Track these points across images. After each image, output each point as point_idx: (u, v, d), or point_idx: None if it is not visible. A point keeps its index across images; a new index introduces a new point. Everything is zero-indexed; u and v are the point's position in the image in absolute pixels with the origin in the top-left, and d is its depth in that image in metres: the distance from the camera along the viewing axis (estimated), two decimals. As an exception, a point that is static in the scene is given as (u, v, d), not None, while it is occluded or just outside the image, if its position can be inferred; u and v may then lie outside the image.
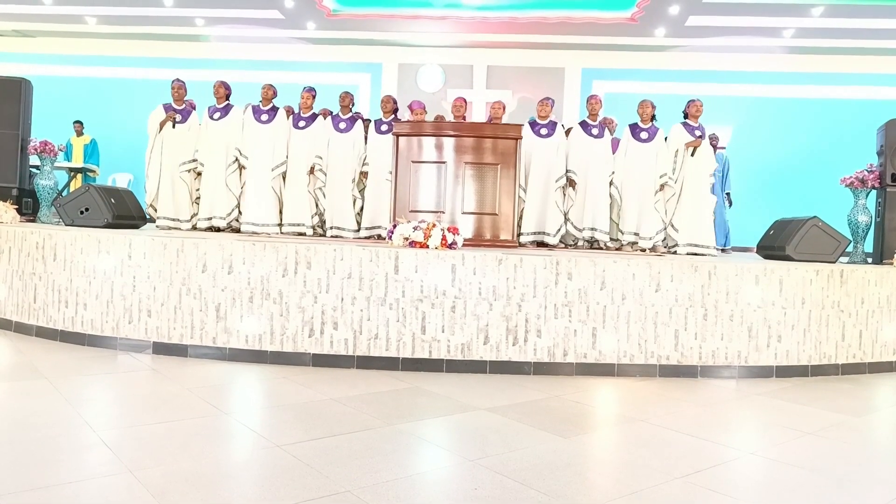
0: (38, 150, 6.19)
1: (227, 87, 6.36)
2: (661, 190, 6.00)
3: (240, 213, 6.17)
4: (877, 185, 5.47)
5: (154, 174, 6.21)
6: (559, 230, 6.11)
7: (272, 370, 3.90)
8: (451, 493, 2.22)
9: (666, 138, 6.16)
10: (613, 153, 6.25)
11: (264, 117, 6.20)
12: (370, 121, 6.68)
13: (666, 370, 4.15)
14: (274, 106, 6.28)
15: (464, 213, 5.35)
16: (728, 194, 8.32)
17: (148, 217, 6.16)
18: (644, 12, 9.43)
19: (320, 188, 6.30)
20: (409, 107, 6.65)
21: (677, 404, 3.54)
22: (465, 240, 4.47)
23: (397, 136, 5.45)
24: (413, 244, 4.14)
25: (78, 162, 9.13)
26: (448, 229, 4.23)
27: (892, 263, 4.97)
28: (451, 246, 4.18)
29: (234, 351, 4.09)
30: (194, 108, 6.55)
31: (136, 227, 5.75)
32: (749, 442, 3.01)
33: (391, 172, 5.63)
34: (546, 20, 9.86)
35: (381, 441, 2.68)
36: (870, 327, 4.52)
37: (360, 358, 4.03)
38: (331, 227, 6.33)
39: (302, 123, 6.33)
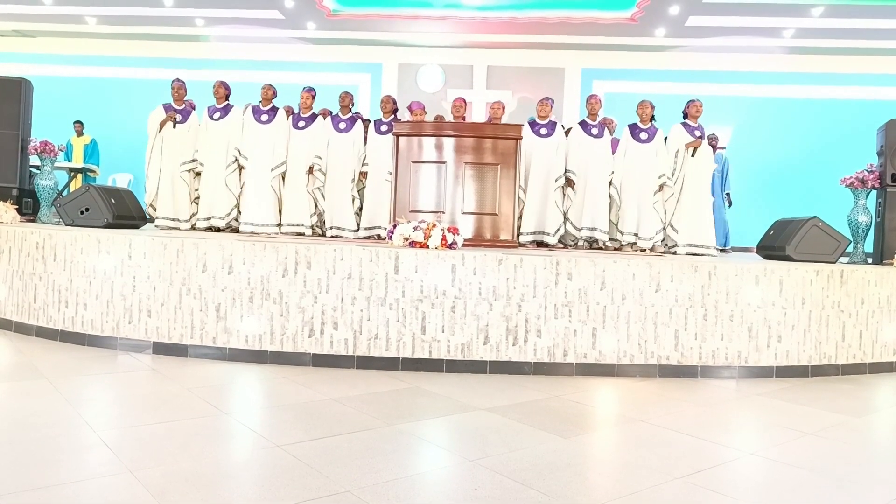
0: (39, 151, 6.19)
1: (226, 87, 6.37)
2: (659, 190, 6.01)
3: (239, 213, 6.17)
4: (877, 185, 5.47)
5: (154, 174, 6.21)
6: (558, 230, 6.11)
7: (272, 370, 3.90)
8: (451, 493, 2.22)
9: (665, 139, 6.17)
10: (613, 153, 6.25)
11: (264, 117, 6.20)
12: (369, 121, 6.68)
13: (666, 370, 4.15)
14: (274, 106, 6.28)
15: (464, 213, 5.35)
16: (728, 194, 8.32)
17: (148, 217, 6.16)
18: (644, 12, 9.43)
19: (319, 188, 6.30)
20: (409, 107, 6.65)
21: (677, 404, 3.54)
22: (465, 240, 4.47)
23: (397, 136, 5.45)
24: (413, 244, 4.14)
25: (78, 162, 9.13)
26: (448, 229, 4.23)
27: (892, 264, 4.97)
28: (452, 246, 4.18)
29: (235, 351, 4.09)
30: (194, 109, 6.55)
31: (137, 227, 5.75)
32: (749, 442, 3.01)
33: (391, 172, 5.63)
34: (546, 20, 9.86)
35: (381, 441, 2.68)
36: (870, 327, 4.52)
37: (360, 358, 4.03)
38: (331, 227, 6.33)
39: (301, 123, 6.33)
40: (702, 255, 5.85)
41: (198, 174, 6.30)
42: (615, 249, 6.12)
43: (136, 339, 4.22)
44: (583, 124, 6.29)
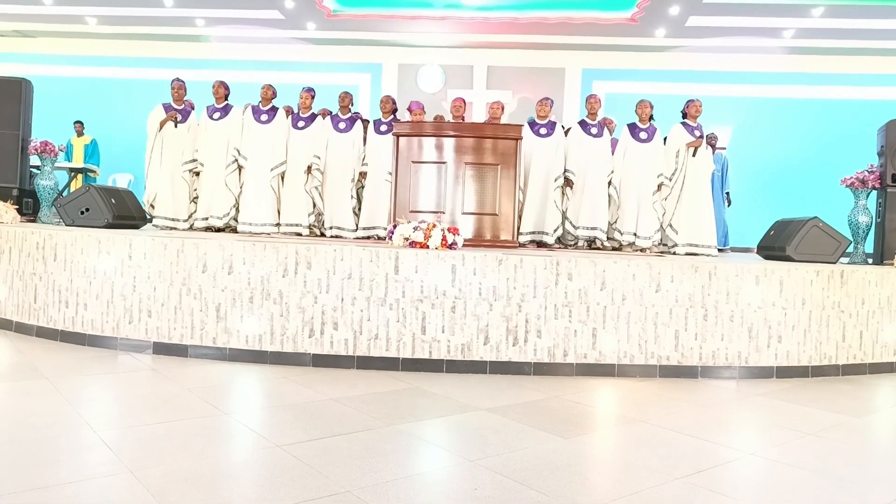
0: (39, 151, 6.19)
1: (226, 87, 6.38)
2: (658, 190, 6.01)
3: (237, 212, 6.18)
4: (877, 185, 5.47)
5: (154, 173, 6.21)
6: (557, 230, 6.11)
7: (272, 370, 3.90)
8: (451, 494, 2.22)
9: (665, 139, 6.18)
10: (612, 153, 6.25)
11: (264, 117, 6.20)
12: (369, 121, 6.68)
13: (666, 370, 4.15)
14: (273, 106, 6.29)
15: (464, 213, 5.35)
16: (727, 193, 8.33)
17: (148, 217, 6.17)
18: (644, 13, 9.43)
19: (316, 187, 6.30)
20: (409, 108, 6.66)
21: (677, 405, 3.54)
22: (465, 240, 4.47)
23: (397, 136, 5.45)
24: (413, 244, 4.14)
25: (78, 162, 9.13)
26: (448, 229, 4.23)
27: (892, 264, 4.97)
28: (452, 246, 4.18)
29: (235, 351, 4.09)
30: (193, 109, 6.56)
31: (137, 227, 5.76)
32: (749, 442, 3.00)
33: (391, 173, 5.63)
34: (546, 21, 9.86)
35: (382, 441, 2.68)
36: (870, 328, 4.52)
37: (360, 358, 4.03)
38: (330, 227, 6.34)
39: (301, 124, 6.33)
40: (703, 254, 5.85)
41: (197, 174, 6.30)
42: (613, 249, 6.13)
43: (136, 339, 4.22)
44: (582, 124, 6.30)
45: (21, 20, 10.68)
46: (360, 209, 6.39)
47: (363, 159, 6.36)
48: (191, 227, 6.27)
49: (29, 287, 4.59)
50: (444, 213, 5.32)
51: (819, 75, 10.76)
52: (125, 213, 5.60)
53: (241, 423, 2.90)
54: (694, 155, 5.97)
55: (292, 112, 6.48)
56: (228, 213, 6.19)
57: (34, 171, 7.10)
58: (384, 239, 5.54)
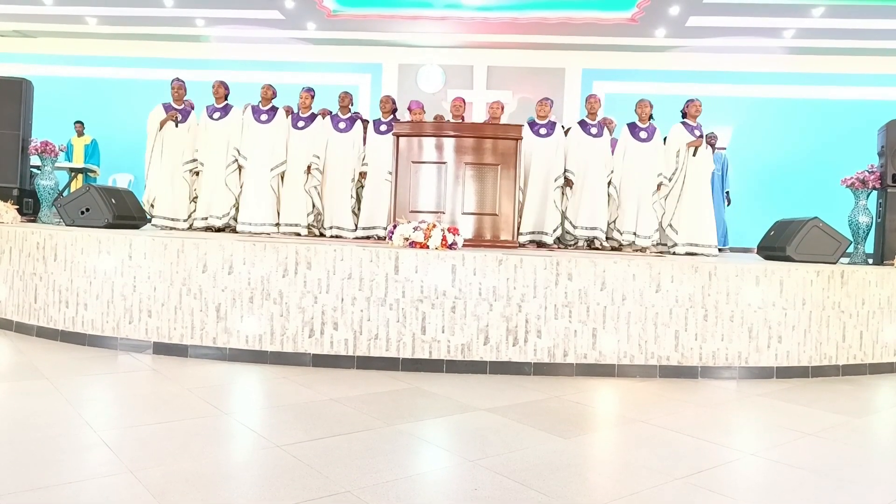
0: (39, 151, 6.19)
1: (226, 87, 6.39)
2: (657, 190, 6.02)
3: (237, 212, 6.18)
4: (878, 185, 5.47)
5: (154, 173, 6.22)
6: (556, 230, 6.12)
7: (272, 370, 3.90)
8: (451, 494, 2.22)
9: (665, 139, 6.18)
10: (612, 153, 6.25)
11: (264, 117, 6.21)
12: (368, 121, 6.68)
13: (666, 371, 4.15)
14: (273, 106, 6.29)
15: (464, 213, 5.35)
16: (727, 193, 8.33)
17: (148, 217, 6.17)
18: (644, 13, 9.43)
19: (315, 186, 6.30)
20: (409, 107, 6.66)
21: (677, 405, 3.54)
22: (465, 240, 4.47)
23: (397, 136, 5.45)
24: (413, 244, 4.14)
25: (79, 162, 9.13)
26: (448, 230, 4.23)
27: (892, 264, 4.97)
28: (452, 246, 4.18)
29: (235, 351, 4.09)
30: (192, 109, 6.56)
31: (137, 227, 5.76)
32: (749, 443, 3.00)
33: (391, 172, 5.63)
34: (546, 21, 9.86)
35: (382, 441, 2.68)
36: (870, 328, 4.52)
37: (360, 358, 4.03)
38: (331, 227, 6.34)
39: (301, 123, 6.33)
40: (702, 254, 5.86)
41: (197, 174, 6.31)
42: (613, 249, 6.13)
43: (136, 339, 4.22)
44: (582, 124, 6.30)
45: (21, 20, 10.68)
46: (359, 209, 6.40)
47: (363, 159, 6.36)
48: (190, 227, 6.27)
49: (29, 287, 4.60)
50: (444, 213, 5.32)
51: (819, 75, 10.76)
52: (125, 213, 5.60)
53: (241, 424, 2.90)
54: (694, 154, 5.98)
55: (292, 112, 6.49)
56: (228, 213, 6.19)
57: (34, 171, 7.10)
58: (384, 239, 5.54)
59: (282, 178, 6.24)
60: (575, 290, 4.08)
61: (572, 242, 6.29)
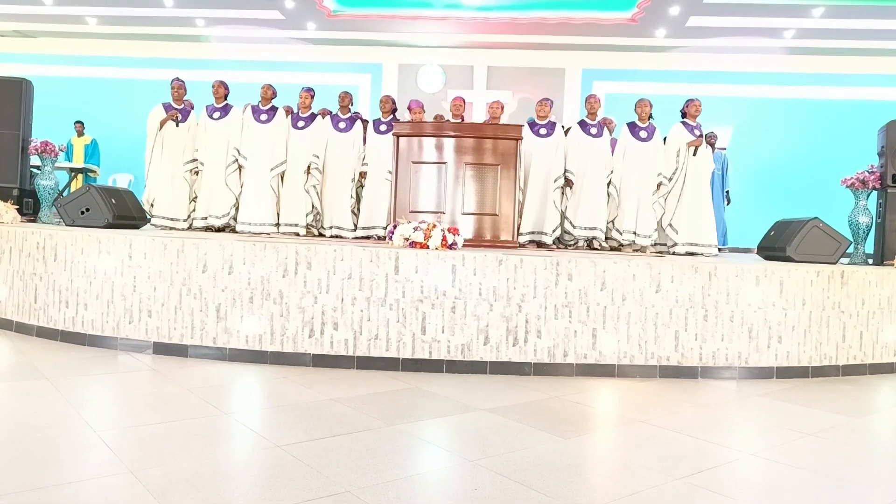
0: (39, 151, 6.19)
1: (226, 86, 6.39)
2: (656, 189, 6.02)
3: (237, 212, 6.18)
4: (878, 186, 5.47)
5: (154, 173, 6.21)
6: (555, 230, 6.12)
7: (272, 370, 3.90)
8: (451, 494, 2.22)
9: (665, 138, 6.18)
10: (612, 153, 6.25)
11: (263, 117, 6.21)
12: (368, 121, 6.68)
13: (666, 371, 4.15)
14: (273, 106, 6.29)
15: (464, 213, 5.35)
16: (727, 192, 8.33)
17: (148, 217, 6.17)
18: (644, 13, 9.43)
19: (315, 186, 6.30)
20: (408, 106, 6.66)
21: (677, 405, 3.54)
22: (465, 240, 4.47)
23: (398, 136, 5.45)
24: (413, 245, 4.14)
25: (79, 162, 9.13)
26: (448, 230, 4.23)
27: (892, 265, 4.97)
28: (452, 246, 4.18)
29: (235, 351, 4.09)
30: (192, 108, 6.56)
31: (137, 227, 5.76)
32: (749, 443, 3.00)
33: (391, 172, 5.63)
34: (546, 21, 9.86)
35: (382, 441, 2.69)
36: (870, 328, 4.52)
37: (360, 358, 4.03)
38: (330, 227, 6.34)
39: (301, 123, 6.33)
40: (702, 254, 5.86)
41: (197, 173, 6.31)
42: (612, 249, 6.13)
43: (136, 339, 4.22)
44: (582, 124, 6.30)
45: (21, 20, 10.68)
46: (359, 209, 6.39)
47: (363, 159, 6.36)
48: (190, 227, 6.27)
49: (29, 287, 4.60)
50: (444, 213, 5.32)
51: (819, 75, 10.76)
52: (125, 213, 5.60)
53: (241, 424, 2.90)
54: (695, 154, 5.98)
55: (292, 112, 6.49)
56: (228, 213, 6.19)
57: (34, 171, 7.10)
58: (383, 239, 5.54)
59: (282, 177, 6.24)
60: (575, 290, 4.08)
61: (572, 243, 6.29)
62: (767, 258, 5.34)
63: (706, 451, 2.77)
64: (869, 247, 5.65)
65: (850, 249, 5.46)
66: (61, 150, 6.42)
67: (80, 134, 9.34)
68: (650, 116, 6.17)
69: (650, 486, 2.34)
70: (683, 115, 6.18)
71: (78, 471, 2.26)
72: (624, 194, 6.11)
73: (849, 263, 5.29)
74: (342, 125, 6.41)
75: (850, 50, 10.33)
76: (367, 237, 6.22)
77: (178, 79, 6.38)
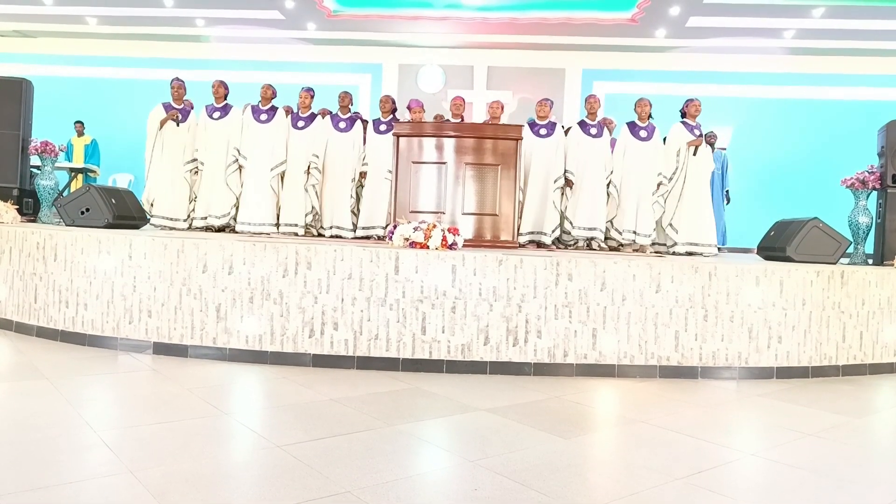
0: (39, 151, 6.19)
1: (226, 86, 6.39)
2: (656, 189, 6.03)
3: (237, 212, 6.18)
4: (877, 186, 5.47)
5: (154, 172, 6.22)
6: (554, 230, 6.12)
7: (272, 370, 3.90)
8: (452, 494, 2.22)
9: (665, 138, 6.19)
10: (612, 152, 6.26)
11: (263, 117, 6.21)
12: (368, 121, 6.68)
13: (666, 371, 4.15)
14: (273, 106, 6.29)
15: (464, 213, 5.36)
16: (727, 192, 8.33)
17: (148, 216, 6.17)
18: (644, 13, 9.43)
19: (314, 185, 6.30)
20: (408, 106, 6.66)
21: (677, 405, 3.54)
22: (465, 240, 4.47)
23: (398, 136, 5.45)
24: (413, 245, 4.14)
25: (79, 162, 9.13)
26: (448, 230, 4.23)
27: (892, 265, 4.97)
28: (452, 247, 4.18)
29: (235, 351, 4.09)
30: (192, 108, 6.56)
31: (137, 227, 5.76)
32: (749, 443, 3.00)
33: (390, 172, 5.63)
34: (546, 21, 9.86)
35: (382, 442, 2.68)
36: (870, 328, 4.52)
37: (360, 358, 4.03)
38: (330, 227, 6.34)
39: (301, 123, 6.33)
40: (702, 253, 5.86)
41: (197, 173, 6.31)
42: (612, 249, 6.13)
43: (136, 339, 4.22)
44: (582, 124, 6.30)
45: (21, 20, 10.69)
46: (359, 209, 6.39)
47: (363, 159, 6.36)
48: (190, 227, 6.27)
49: (29, 287, 4.60)
50: (444, 213, 5.32)
51: (819, 76, 10.76)
52: (125, 213, 5.60)
53: (241, 424, 2.90)
54: (695, 153, 5.98)
55: (292, 112, 6.49)
56: (228, 213, 6.19)
57: (34, 171, 7.10)
58: (383, 239, 5.54)
59: (282, 177, 6.24)
60: (575, 290, 4.08)
61: (571, 243, 6.29)
62: (767, 258, 5.34)
63: (706, 452, 2.77)
64: (869, 247, 5.65)
65: (850, 249, 5.46)
66: (61, 150, 6.43)
67: (80, 134, 9.34)
68: (650, 116, 6.18)
69: (650, 486, 2.34)
70: (683, 114, 6.19)
71: (78, 471, 2.26)
72: (624, 194, 6.11)
73: (849, 263, 5.29)
74: (342, 125, 6.41)
75: (850, 50, 10.33)
76: (367, 237, 6.22)
77: (177, 79, 6.38)
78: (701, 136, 6.04)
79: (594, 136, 6.19)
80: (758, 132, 10.68)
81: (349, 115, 6.53)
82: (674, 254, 5.91)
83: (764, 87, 10.85)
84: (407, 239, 4.19)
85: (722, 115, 10.16)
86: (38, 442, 2.50)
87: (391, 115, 6.44)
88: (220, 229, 6.23)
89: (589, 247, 6.21)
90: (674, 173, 6.06)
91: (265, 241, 4.48)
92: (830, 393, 3.98)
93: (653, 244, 6.13)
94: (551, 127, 6.22)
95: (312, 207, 6.33)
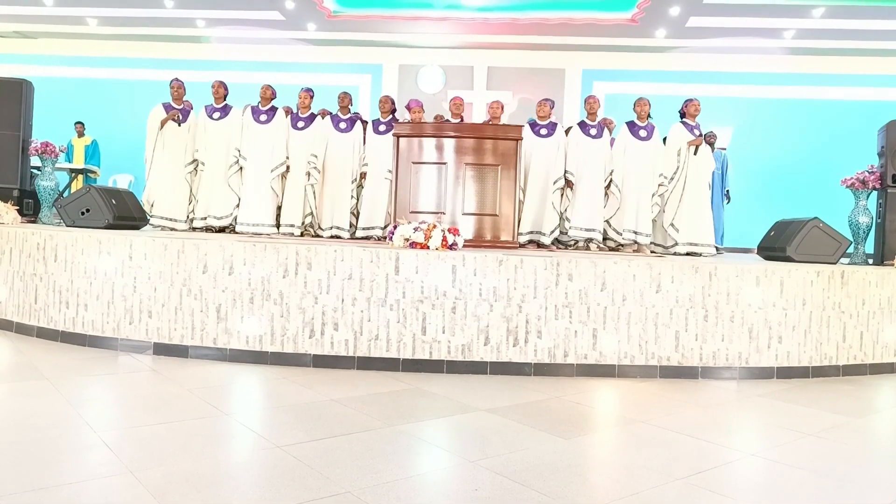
0: (40, 151, 6.19)
1: (226, 87, 6.40)
2: (656, 190, 6.03)
3: (237, 213, 6.18)
4: (878, 186, 5.47)
5: (154, 173, 6.22)
6: (553, 231, 6.12)
7: (272, 371, 3.90)
8: (452, 494, 2.22)
9: (665, 138, 6.19)
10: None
11: (263, 118, 6.21)
12: (368, 122, 6.68)
13: (666, 371, 4.15)
14: (273, 106, 6.29)
15: (464, 213, 5.36)
16: (727, 191, 8.33)
17: (148, 217, 6.17)
18: (644, 13, 9.43)
19: (312, 185, 6.30)
20: (407, 106, 6.66)
21: (678, 405, 3.53)
22: (465, 241, 4.47)
23: (398, 136, 5.45)
24: (413, 245, 4.14)
25: (79, 163, 9.14)
26: (448, 230, 4.24)
27: (892, 265, 4.97)
28: (452, 247, 4.18)
29: (235, 352, 4.09)
30: (192, 109, 6.56)
31: (137, 228, 5.76)
32: (750, 443, 3.00)
33: (390, 172, 5.63)
34: (546, 21, 9.86)
35: (382, 442, 2.69)
36: (871, 328, 4.52)
37: (360, 359, 4.03)
38: (330, 227, 6.34)
39: (300, 124, 6.34)
40: (702, 253, 5.86)
41: (197, 173, 6.31)
42: (611, 250, 6.13)
43: (136, 339, 4.22)
44: (582, 125, 6.30)
45: (22, 21, 10.69)
46: (359, 210, 6.39)
47: (363, 159, 6.36)
48: (189, 228, 6.27)
49: (29, 288, 4.60)
50: (444, 213, 5.33)
51: (819, 76, 10.77)
52: (126, 213, 5.60)
53: (241, 424, 2.90)
54: (695, 153, 5.99)
55: (291, 112, 6.49)
56: (229, 214, 6.19)
57: (35, 171, 7.10)
58: (382, 239, 5.54)
59: (282, 178, 6.24)
60: (575, 290, 4.08)
61: (571, 243, 6.29)
62: (767, 258, 5.34)
63: (707, 452, 2.77)
64: (869, 247, 5.65)
65: (850, 249, 5.47)
66: (62, 151, 6.43)
67: (81, 134, 9.34)
68: (649, 115, 6.18)
69: (650, 486, 2.34)
70: (682, 114, 6.19)
71: (78, 471, 2.26)
72: (624, 193, 6.11)
73: (849, 263, 5.29)
74: (343, 125, 6.42)
75: (850, 50, 10.33)
76: (367, 237, 6.22)
77: (177, 79, 6.39)
78: (701, 135, 6.04)
79: (594, 137, 6.19)
80: (758, 132, 10.68)
81: (349, 115, 6.53)
82: (674, 254, 5.91)
83: (764, 87, 10.85)
84: (407, 239, 4.19)
85: (722, 115, 10.16)
86: (38, 442, 2.50)
87: (391, 116, 6.44)
88: (220, 230, 6.23)
89: (588, 247, 6.21)
90: (675, 173, 6.06)
91: (265, 241, 4.48)
92: (831, 393, 3.98)
93: (650, 244, 6.14)
94: (552, 127, 6.22)
95: (310, 208, 6.33)
